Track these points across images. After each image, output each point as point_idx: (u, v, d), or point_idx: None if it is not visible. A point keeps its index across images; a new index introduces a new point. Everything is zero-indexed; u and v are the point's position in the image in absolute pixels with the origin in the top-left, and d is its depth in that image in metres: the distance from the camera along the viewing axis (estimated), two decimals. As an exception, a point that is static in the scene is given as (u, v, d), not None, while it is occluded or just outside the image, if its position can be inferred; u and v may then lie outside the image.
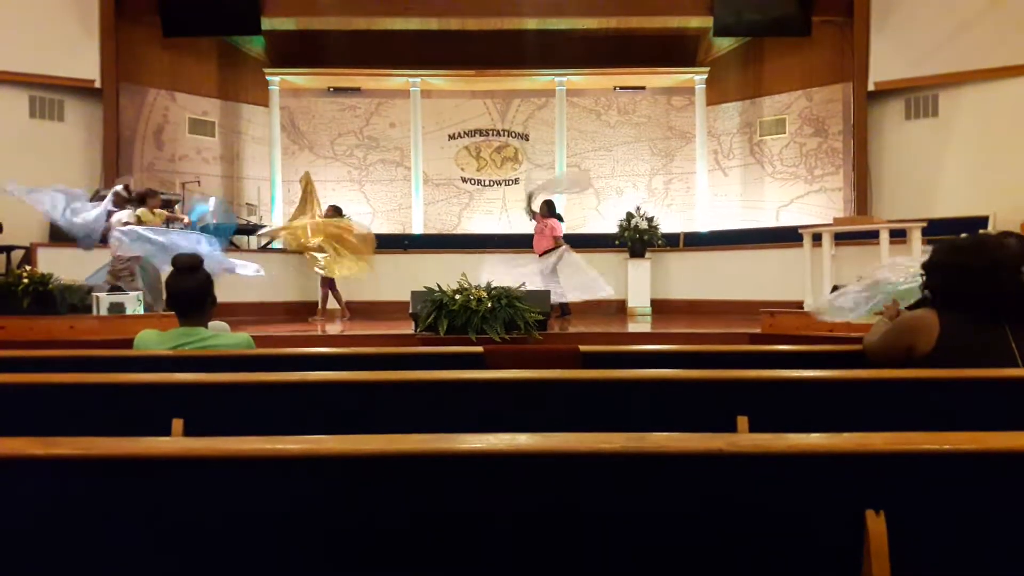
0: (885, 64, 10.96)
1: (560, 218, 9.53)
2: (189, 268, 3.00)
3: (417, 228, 12.83)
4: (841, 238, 8.45)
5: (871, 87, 11.08)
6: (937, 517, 1.30)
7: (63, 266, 7.17)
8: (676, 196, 13.19)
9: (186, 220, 8.84)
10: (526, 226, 12.84)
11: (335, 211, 10.05)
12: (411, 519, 1.32)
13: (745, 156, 12.66)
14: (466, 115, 13.41)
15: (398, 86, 12.90)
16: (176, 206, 9.76)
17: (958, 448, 1.29)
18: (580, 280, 8.94)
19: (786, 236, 10.00)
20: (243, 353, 2.89)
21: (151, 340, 2.97)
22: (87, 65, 10.78)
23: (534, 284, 7.83)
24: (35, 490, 1.31)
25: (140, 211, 8.11)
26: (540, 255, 9.25)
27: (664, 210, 12.68)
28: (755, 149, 12.53)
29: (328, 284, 9.73)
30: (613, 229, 10.88)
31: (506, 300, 6.05)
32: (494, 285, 6.32)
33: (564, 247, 9.16)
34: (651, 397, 2.18)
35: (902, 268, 3.22)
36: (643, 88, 13.15)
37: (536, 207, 9.45)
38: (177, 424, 1.96)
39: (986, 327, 2.41)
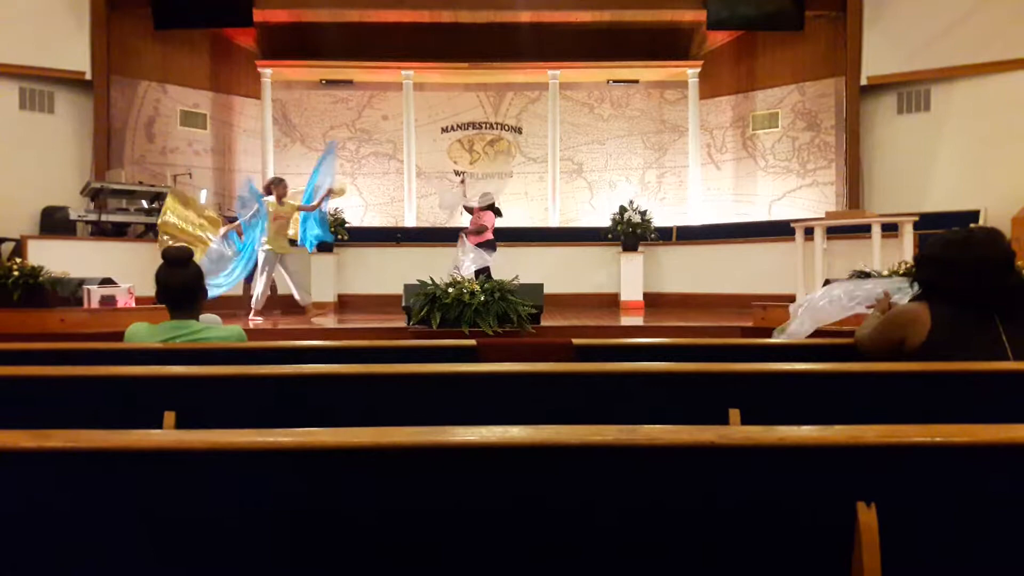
0: (878, 59, 10.98)
1: (498, 212, 9.48)
2: (180, 261, 2.98)
3: (410, 221, 12.81)
4: (833, 232, 8.47)
5: (864, 81, 11.11)
6: (928, 509, 1.31)
7: (54, 258, 7.13)
8: (669, 190, 13.20)
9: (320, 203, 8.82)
10: (519, 218, 12.89)
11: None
12: (403, 511, 1.32)
13: (738, 150, 12.67)
14: (459, 108, 13.39)
15: (391, 79, 12.86)
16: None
17: (949, 440, 1.29)
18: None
19: (778, 230, 10.01)
20: (235, 346, 2.88)
21: (142, 333, 2.95)
22: (78, 57, 10.72)
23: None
24: (26, 483, 1.31)
25: (268, 200, 8.14)
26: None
27: (657, 204, 12.70)
28: (748, 143, 12.55)
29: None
30: (606, 223, 10.87)
31: (499, 293, 6.04)
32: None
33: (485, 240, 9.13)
34: (643, 390, 2.18)
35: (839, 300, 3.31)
36: (636, 82, 13.15)
37: (477, 203, 9.47)
38: (169, 417, 1.95)
39: (976, 320, 2.42)
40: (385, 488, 1.32)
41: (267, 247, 8.09)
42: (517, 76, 13.07)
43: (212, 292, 7.65)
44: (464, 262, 8.40)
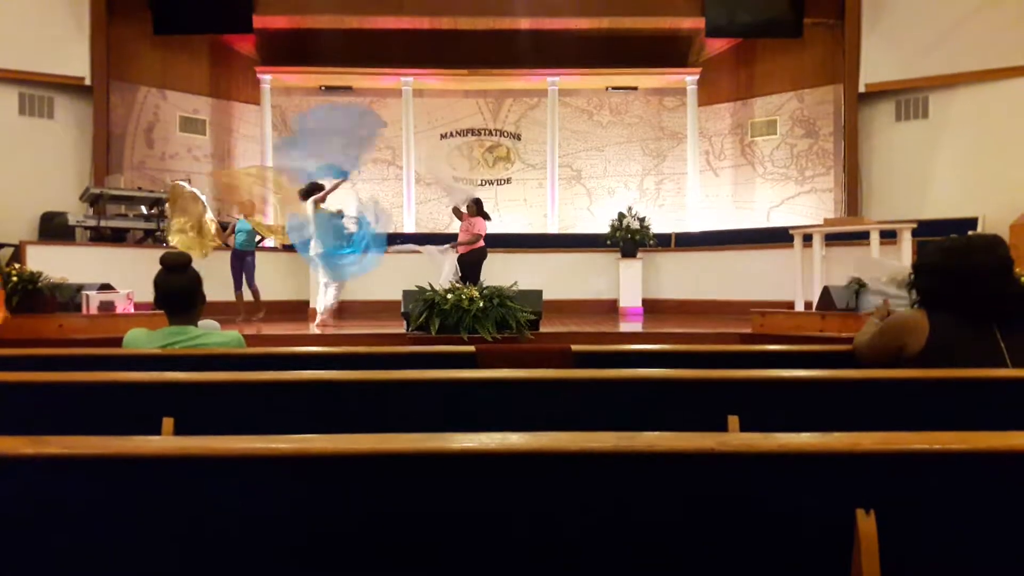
0: (876, 66, 11.02)
1: (487, 216, 9.32)
2: (178, 266, 2.98)
3: (409, 227, 12.81)
4: (831, 239, 8.49)
5: (862, 89, 11.14)
6: (927, 516, 1.31)
7: (52, 264, 7.13)
8: (667, 196, 13.22)
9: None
10: (518, 225, 12.90)
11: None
12: (402, 518, 1.32)
13: (736, 157, 12.69)
14: (458, 114, 13.41)
15: (390, 85, 12.88)
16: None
17: (948, 448, 1.29)
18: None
19: (777, 237, 10.03)
20: (233, 352, 2.88)
21: (141, 339, 2.95)
22: (77, 62, 10.73)
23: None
24: (24, 489, 1.30)
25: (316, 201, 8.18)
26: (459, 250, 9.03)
27: (655, 210, 12.71)
28: (746, 150, 12.57)
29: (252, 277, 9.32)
30: (605, 229, 10.90)
31: (498, 299, 6.05)
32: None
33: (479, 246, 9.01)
34: (642, 396, 2.18)
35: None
36: (635, 88, 13.18)
37: (464, 208, 9.32)
38: (167, 423, 1.95)
39: (975, 328, 2.43)
40: (384, 495, 1.32)
41: (321, 251, 8.15)
42: (516, 83, 13.09)
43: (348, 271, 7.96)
44: (444, 271, 8.36)
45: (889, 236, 7.91)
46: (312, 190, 8.26)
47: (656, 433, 1.33)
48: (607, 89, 13.18)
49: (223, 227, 9.47)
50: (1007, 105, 10.18)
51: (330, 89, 13.05)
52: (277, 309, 10.28)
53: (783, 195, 12.21)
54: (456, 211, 9.54)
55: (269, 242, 9.81)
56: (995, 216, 9.72)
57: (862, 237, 8.10)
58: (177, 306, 2.98)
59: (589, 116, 13.36)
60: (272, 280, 10.45)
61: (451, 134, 13.41)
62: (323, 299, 8.32)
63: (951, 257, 2.48)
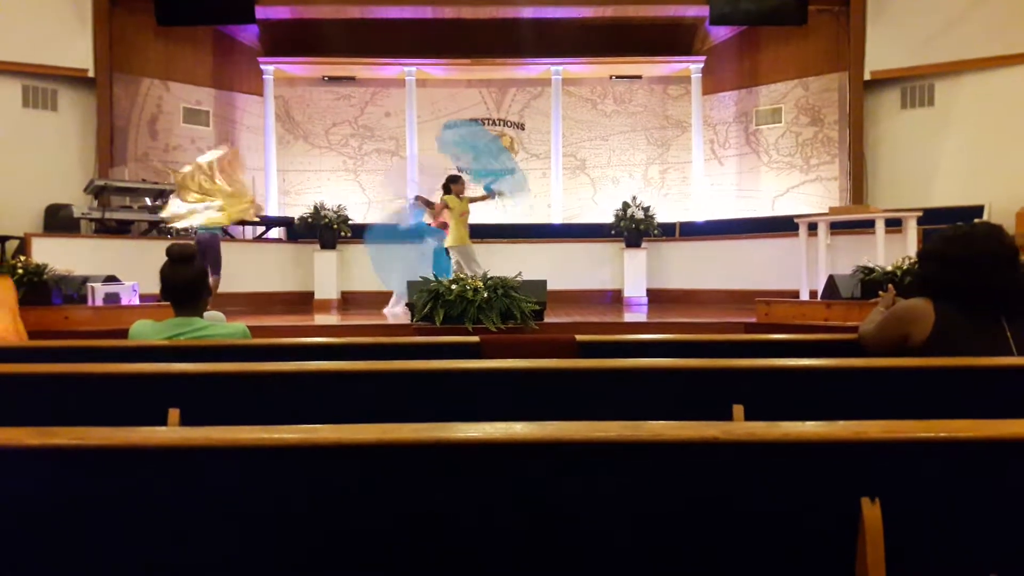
0: (881, 53, 10.95)
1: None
2: (184, 258, 2.99)
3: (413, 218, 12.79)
4: (837, 227, 8.45)
5: (867, 76, 11.08)
6: (932, 504, 1.31)
7: (58, 256, 7.15)
8: (672, 185, 13.18)
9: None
10: (521, 215, 12.87)
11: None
12: (407, 508, 1.32)
13: (741, 145, 12.65)
14: (461, 104, 13.37)
15: (393, 75, 12.85)
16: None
17: (953, 436, 1.29)
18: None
19: (782, 225, 10.00)
20: (239, 343, 2.89)
21: (146, 330, 2.96)
22: (80, 54, 10.72)
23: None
24: (30, 480, 1.31)
25: (447, 197, 8.12)
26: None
27: (660, 199, 12.68)
28: (751, 138, 12.52)
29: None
30: (609, 219, 10.87)
31: (503, 290, 6.04)
32: None
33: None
34: (647, 386, 2.18)
35: None
36: (639, 77, 13.12)
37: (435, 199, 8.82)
38: (173, 414, 1.95)
39: (981, 317, 2.42)
40: (389, 485, 1.32)
41: (458, 244, 8.11)
42: (519, 72, 13.05)
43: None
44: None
45: (895, 224, 7.87)
46: (453, 179, 8.20)
47: (661, 422, 1.33)
48: (611, 78, 13.12)
49: None
50: (1013, 93, 10.12)
51: (333, 79, 13.02)
52: (282, 300, 10.31)
53: (788, 184, 12.17)
54: (426, 201, 9.00)
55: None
56: (1001, 204, 9.67)
57: (867, 225, 8.06)
58: (183, 297, 2.99)
59: (593, 105, 13.31)
60: (276, 271, 10.47)
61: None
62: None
63: (953, 246, 2.47)
